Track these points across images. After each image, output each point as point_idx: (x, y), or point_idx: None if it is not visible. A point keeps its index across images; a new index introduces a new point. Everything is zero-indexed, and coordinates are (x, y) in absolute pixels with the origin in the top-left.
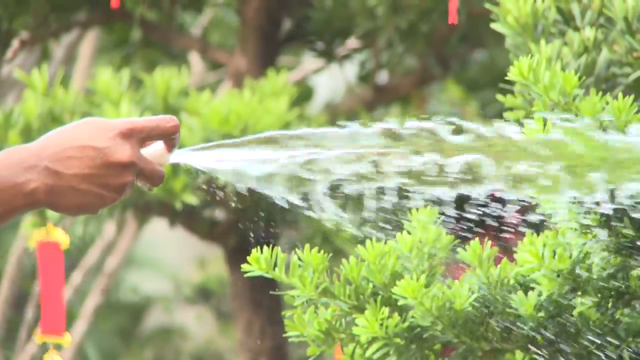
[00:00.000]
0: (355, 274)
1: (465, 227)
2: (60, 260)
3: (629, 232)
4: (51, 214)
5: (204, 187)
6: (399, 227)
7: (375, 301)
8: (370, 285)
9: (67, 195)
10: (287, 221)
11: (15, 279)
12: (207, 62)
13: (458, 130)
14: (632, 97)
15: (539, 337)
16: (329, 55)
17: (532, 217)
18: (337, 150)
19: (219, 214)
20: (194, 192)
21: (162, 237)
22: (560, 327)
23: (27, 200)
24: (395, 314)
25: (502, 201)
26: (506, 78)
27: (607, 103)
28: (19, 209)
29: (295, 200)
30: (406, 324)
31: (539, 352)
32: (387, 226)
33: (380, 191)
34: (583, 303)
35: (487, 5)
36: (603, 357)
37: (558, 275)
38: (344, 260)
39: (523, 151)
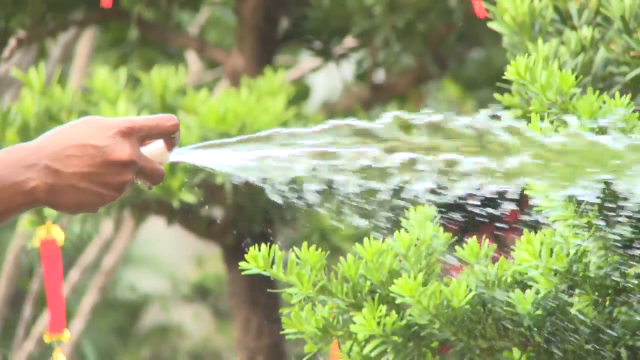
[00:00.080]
0: (353, 272)
1: (463, 225)
2: (60, 258)
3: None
4: (49, 212)
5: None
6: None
7: (373, 299)
8: (368, 283)
9: (67, 194)
10: (285, 219)
11: (12, 277)
12: (204, 61)
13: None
14: (629, 96)
15: (536, 335)
16: (326, 54)
17: (530, 215)
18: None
19: (217, 212)
20: (191, 190)
21: (159, 235)
22: (557, 325)
23: (27, 198)
24: (393, 312)
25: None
26: (503, 77)
27: (604, 102)
28: (18, 208)
29: (295, 198)
30: (404, 322)
31: (536, 350)
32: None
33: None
34: (580, 301)
35: (485, 4)
36: (600, 355)
37: (555, 274)
38: (341, 258)
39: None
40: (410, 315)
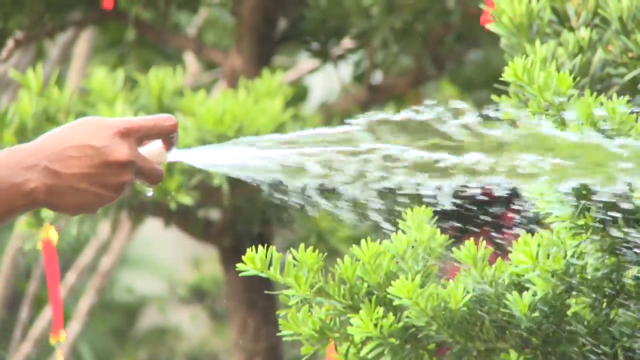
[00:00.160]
0: (350, 273)
1: (460, 227)
2: (56, 259)
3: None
4: (46, 213)
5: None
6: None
7: (370, 301)
8: (365, 285)
9: (66, 195)
10: (282, 221)
11: (9, 278)
12: (202, 62)
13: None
14: (627, 97)
15: (533, 337)
16: (324, 55)
17: (527, 217)
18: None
19: (214, 214)
20: (188, 192)
21: (156, 237)
22: (554, 327)
23: (26, 200)
24: (390, 314)
25: (497, 200)
26: (501, 78)
27: (602, 103)
28: (18, 209)
29: (293, 197)
30: (401, 323)
31: (533, 352)
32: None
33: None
34: (577, 303)
35: (482, 5)
36: (597, 357)
37: (552, 276)
38: (338, 260)
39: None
40: (407, 317)
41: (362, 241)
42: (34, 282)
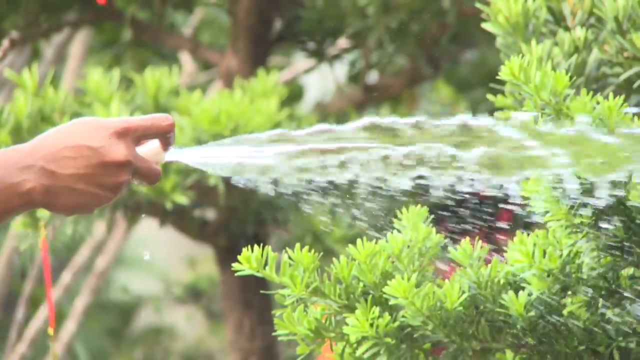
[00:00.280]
0: (346, 273)
1: (456, 226)
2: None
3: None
4: (41, 213)
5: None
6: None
7: (366, 300)
8: (361, 284)
9: (63, 195)
10: (278, 220)
11: (5, 278)
12: (198, 62)
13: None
14: (622, 97)
15: (529, 336)
16: (319, 55)
17: (523, 216)
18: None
19: (210, 213)
20: (184, 191)
21: (152, 237)
22: (550, 326)
23: (23, 200)
24: (386, 314)
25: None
26: (497, 77)
27: (598, 103)
28: (15, 210)
29: (290, 197)
30: (396, 323)
31: (529, 351)
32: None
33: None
34: (573, 302)
35: (478, 5)
36: (593, 357)
37: (548, 275)
38: (334, 260)
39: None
40: (403, 316)
41: (358, 241)
42: (30, 282)
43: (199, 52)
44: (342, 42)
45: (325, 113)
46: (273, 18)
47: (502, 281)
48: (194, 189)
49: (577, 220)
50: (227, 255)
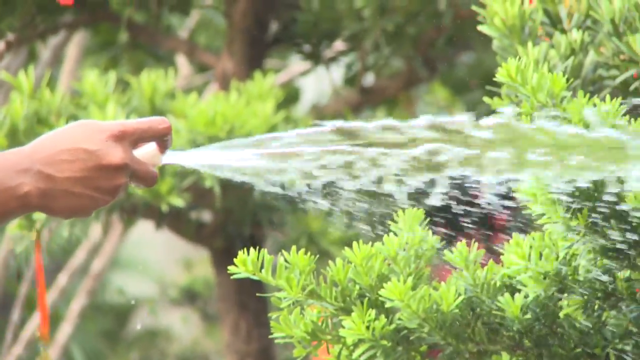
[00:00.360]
0: (342, 275)
1: (452, 228)
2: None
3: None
4: (37, 215)
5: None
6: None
7: (362, 303)
8: (357, 287)
9: (60, 199)
10: (274, 223)
11: (0, 280)
12: (194, 64)
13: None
14: (619, 99)
15: (525, 339)
16: (315, 58)
17: (519, 218)
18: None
19: (206, 215)
20: (180, 194)
21: (148, 239)
22: (546, 328)
23: (20, 203)
24: (382, 316)
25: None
26: (494, 79)
27: (595, 105)
28: (12, 213)
29: (287, 197)
30: (393, 326)
31: (525, 354)
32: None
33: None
34: (569, 305)
35: (474, 8)
36: (589, 359)
37: (544, 277)
38: (330, 262)
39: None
40: (399, 319)
41: (354, 243)
42: (26, 283)
43: (195, 54)
44: (338, 45)
45: (322, 115)
46: (269, 20)
47: (498, 283)
48: (190, 191)
49: (573, 223)
50: (223, 257)
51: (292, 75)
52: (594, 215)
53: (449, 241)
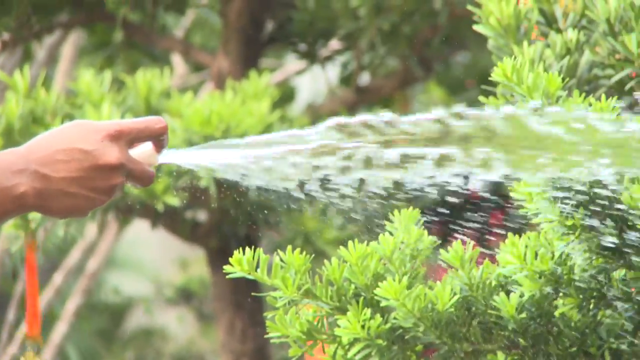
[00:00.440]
0: (338, 275)
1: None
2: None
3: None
4: (33, 215)
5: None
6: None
7: (358, 302)
8: (353, 286)
9: (57, 199)
10: (269, 222)
11: None
12: (189, 63)
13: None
14: (614, 98)
15: (520, 338)
16: (311, 57)
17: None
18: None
19: (201, 215)
20: (175, 193)
21: (143, 238)
22: (541, 328)
23: (16, 204)
24: (377, 315)
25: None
26: (490, 79)
27: (590, 105)
28: (8, 213)
29: (284, 197)
30: (388, 325)
31: (520, 353)
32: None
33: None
34: (565, 304)
35: (470, 7)
36: (585, 358)
37: (540, 277)
38: (326, 262)
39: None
40: (394, 318)
41: (350, 243)
42: (21, 283)
43: (191, 53)
44: (334, 44)
45: (317, 115)
46: (264, 20)
47: (493, 283)
48: (185, 191)
49: (569, 222)
50: (218, 256)
51: (287, 75)
52: (589, 214)
53: (445, 239)
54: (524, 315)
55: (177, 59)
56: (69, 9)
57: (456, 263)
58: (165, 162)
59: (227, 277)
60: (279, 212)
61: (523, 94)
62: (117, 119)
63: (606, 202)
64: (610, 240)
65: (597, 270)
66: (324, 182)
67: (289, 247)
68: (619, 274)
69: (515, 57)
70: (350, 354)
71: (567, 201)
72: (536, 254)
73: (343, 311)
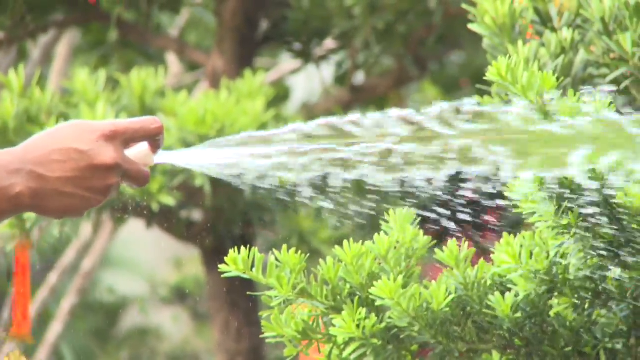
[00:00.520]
0: (333, 274)
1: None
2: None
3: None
4: (28, 214)
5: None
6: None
7: (353, 302)
8: (348, 285)
9: (52, 199)
10: (264, 222)
11: None
12: (184, 62)
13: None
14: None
15: (515, 337)
16: (306, 56)
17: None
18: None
19: (196, 214)
20: (170, 193)
21: (138, 238)
22: (537, 327)
23: (12, 204)
24: (373, 315)
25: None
26: (484, 78)
27: (585, 104)
28: (3, 214)
29: (281, 196)
30: (383, 324)
31: (515, 352)
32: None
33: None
34: (560, 303)
35: (464, 6)
36: (580, 358)
37: (535, 276)
38: (321, 261)
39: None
40: (389, 317)
41: (345, 242)
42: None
43: (185, 52)
44: (329, 43)
45: (312, 114)
46: (259, 19)
47: (488, 282)
48: (180, 190)
49: (564, 221)
50: (213, 256)
51: (282, 74)
52: (584, 213)
53: (440, 239)
54: (519, 314)
55: (171, 58)
56: (64, 8)
57: (451, 262)
58: (161, 162)
59: (222, 276)
60: (274, 211)
61: (517, 93)
62: (111, 118)
63: (601, 201)
64: (605, 240)
65: (592, 269)
66: (323, 181)
67: (284, 247)
68: (614, 273)
69: (510, 56)
70: (345, 354)
71: (562, 201)
72: (531, 254)
73: (338, 310)
